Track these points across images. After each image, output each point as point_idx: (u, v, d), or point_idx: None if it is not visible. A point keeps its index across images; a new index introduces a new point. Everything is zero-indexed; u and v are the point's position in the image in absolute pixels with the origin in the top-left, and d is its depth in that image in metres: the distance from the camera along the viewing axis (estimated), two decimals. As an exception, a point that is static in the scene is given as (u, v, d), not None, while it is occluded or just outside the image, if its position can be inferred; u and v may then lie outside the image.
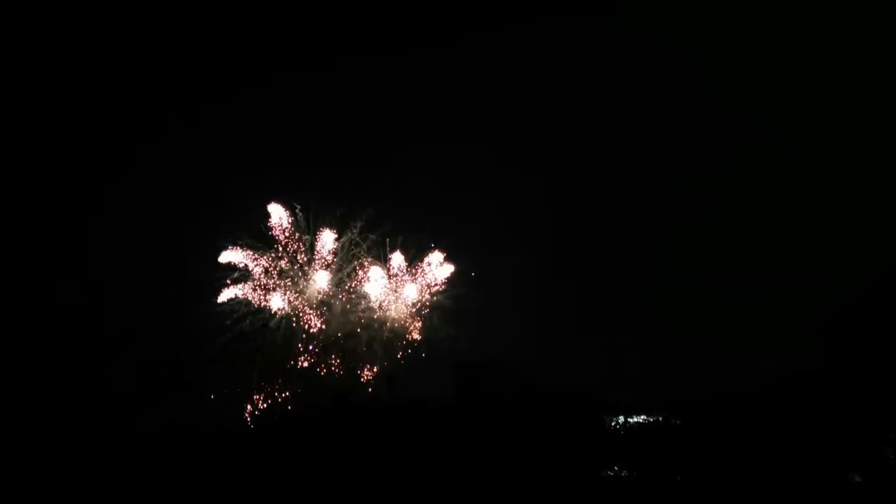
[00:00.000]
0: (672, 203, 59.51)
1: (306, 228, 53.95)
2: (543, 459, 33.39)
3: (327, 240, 53.71)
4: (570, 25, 64.02)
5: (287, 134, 64.44)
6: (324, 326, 53.66)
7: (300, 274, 53.66)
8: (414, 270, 55.04)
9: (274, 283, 53.16)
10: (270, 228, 53.63)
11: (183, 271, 53.22)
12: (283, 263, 53.54)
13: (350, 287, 54.47)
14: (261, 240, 53.65)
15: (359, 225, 53.75)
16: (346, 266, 54.49)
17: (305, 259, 53.81)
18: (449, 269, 55.17)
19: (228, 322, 51.88)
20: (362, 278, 54.06)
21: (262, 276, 53.17)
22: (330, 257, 53.90)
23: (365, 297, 53.93)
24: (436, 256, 55.18)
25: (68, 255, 49.41)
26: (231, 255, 52.67)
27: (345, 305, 54.03)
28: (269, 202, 54.11)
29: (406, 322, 54.10)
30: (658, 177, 60.67)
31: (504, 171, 62.74)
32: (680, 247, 56.41)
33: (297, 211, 53.73)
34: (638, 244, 58.58)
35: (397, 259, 54.25)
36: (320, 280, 53.55)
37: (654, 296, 55.57)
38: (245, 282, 52.68)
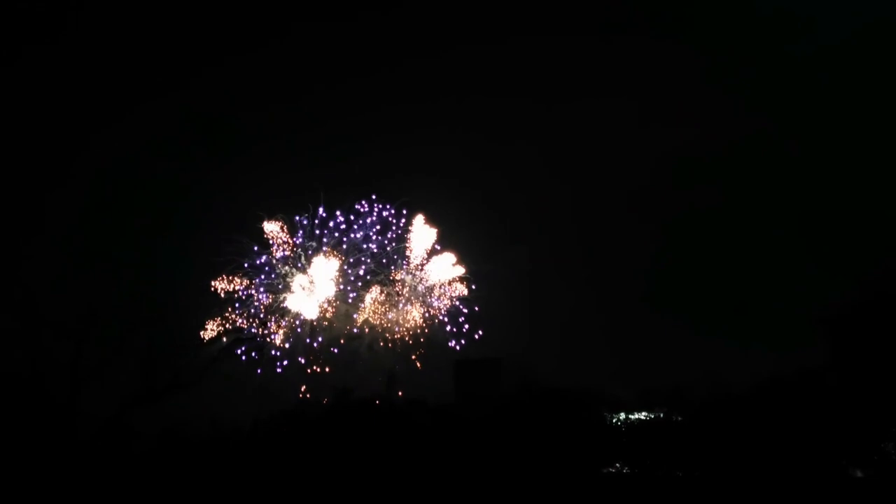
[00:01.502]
0: (674, 198, 59.47)
1: (311, 233, 53.10)
2: (544, 457, 33.28)
3: (332, 264, 52.55)
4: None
5: (295, 133, 64.69)
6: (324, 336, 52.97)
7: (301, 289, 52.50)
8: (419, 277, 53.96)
9: (276, 320, 52.08)
10: (269, 244, 52.69)
11: (184, 271, 53.25)
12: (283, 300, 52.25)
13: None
14: (260, 243, 52.90)
15: (362, 234, 53.02)
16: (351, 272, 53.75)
17: (308, 280, 52.63)
18: (462, 289, 54.25)
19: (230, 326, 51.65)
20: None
21: (262, 309, 52.17)
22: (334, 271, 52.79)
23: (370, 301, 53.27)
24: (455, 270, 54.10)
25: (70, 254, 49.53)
26: (225, 285, 51.46)
27: (348, 309, 53.47)
28: (276, 196, 53.51)
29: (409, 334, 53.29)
30: (659, 173, 60.64)
31: (505, 170, 62.86)
32: (681, 242, 56.37)
33: (302, 218, 52.68)
34: (639, 239, 58.57)
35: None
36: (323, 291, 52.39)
37: (655, 291, 55.50)
38: (243, 312, 51.49)
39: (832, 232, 53.02)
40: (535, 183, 62.43)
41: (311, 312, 52.43)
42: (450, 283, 54.52)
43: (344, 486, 34.33)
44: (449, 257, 54.82)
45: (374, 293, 53.23)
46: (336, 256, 53.21)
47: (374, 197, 54.31)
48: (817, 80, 59.54)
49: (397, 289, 53.67)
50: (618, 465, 35.50)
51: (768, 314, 49.86)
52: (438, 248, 55.02)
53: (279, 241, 52.85)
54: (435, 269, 54.65)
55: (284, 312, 52.44)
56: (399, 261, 54.23)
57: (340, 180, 57.45)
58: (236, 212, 56.77)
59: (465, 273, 54.77)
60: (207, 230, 55.80)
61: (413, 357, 52.66)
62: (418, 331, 53.52)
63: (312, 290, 52.43)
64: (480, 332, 53.59)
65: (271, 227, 52.91)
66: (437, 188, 56.17)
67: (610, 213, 61.62)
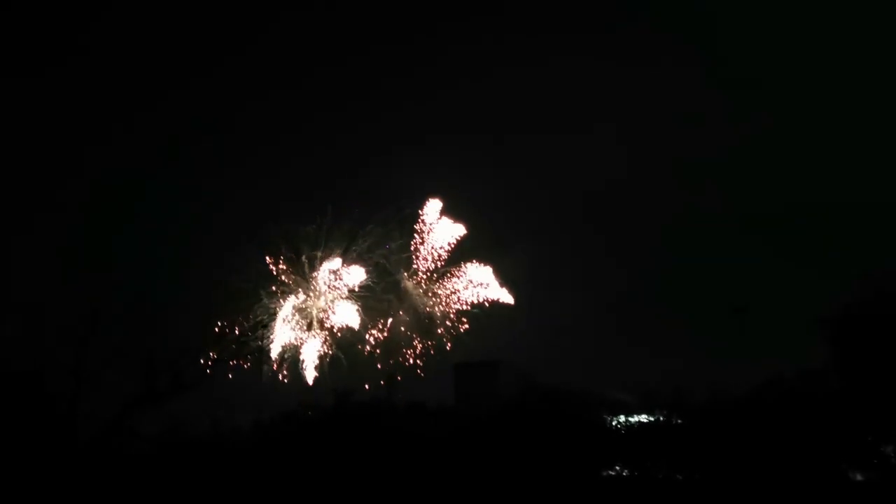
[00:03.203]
0: (674, 199, 59.39)
1: (315, 241, 52.08)
2: (543, 459, 33.26)
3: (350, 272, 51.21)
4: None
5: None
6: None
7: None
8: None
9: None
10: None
11: (187, 271, 53.25)
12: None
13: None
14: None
15: (368, 242, 52.25)
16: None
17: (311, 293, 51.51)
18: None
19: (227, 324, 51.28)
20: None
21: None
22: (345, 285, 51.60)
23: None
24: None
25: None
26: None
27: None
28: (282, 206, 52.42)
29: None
30: (659, 174, 60.58)
31: (507, 172, 62.80)
32: (681, 242, 56.29)
33: (310, 227, 51.64)
34: (639, 242, 58.49)
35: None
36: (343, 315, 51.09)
37: (655, 294, 55.41)
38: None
39: (833, 232, 52.92)
40: (533, 183, 62.44)
41: (310, 356, 50.86)
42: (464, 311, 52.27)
43: (344, 488, 34.36)
44: (483, 272, 51.94)
45: (376, 330, 51.94)
46: (340, 270, 52.17)
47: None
48: (818, 81, 59.44)
49: (400, 322, 52.07)
50: (618, 467, 35.50)
51: (769, 315, 49.76)
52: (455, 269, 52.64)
53: (283, 277, 51.71)
54: (467, 292, 51.61)
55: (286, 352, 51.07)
56: (401, 272, 52.67)
57: (344, 186, 57.48)
58: (239, 212, 56.85)
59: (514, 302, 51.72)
60: (209, 231, 55.88)
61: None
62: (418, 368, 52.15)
63: (311, 304, 51.52)
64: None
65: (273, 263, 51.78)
66: (436, 190, 56.01)
67: (609, 213, 61.59)
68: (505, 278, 52.49)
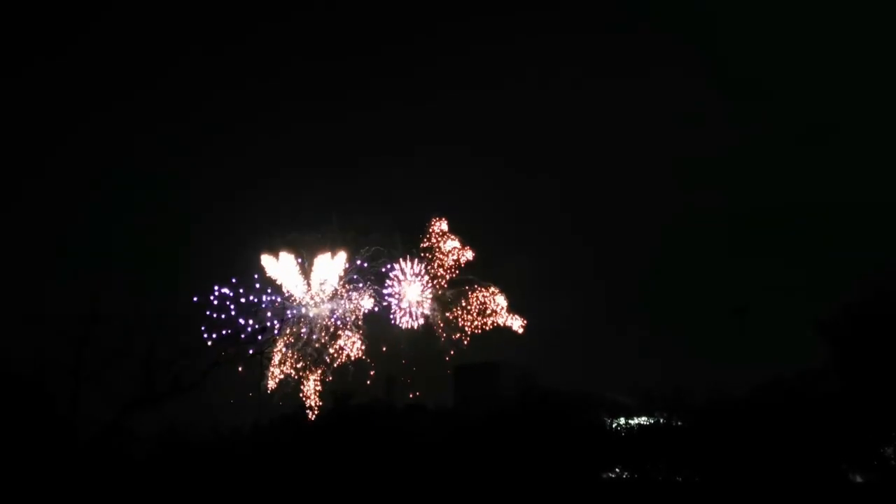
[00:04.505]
0: (674, 199, 59.35)
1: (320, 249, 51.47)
2: (543, 461, 33.18)
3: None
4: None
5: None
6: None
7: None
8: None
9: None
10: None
11: (187, 272, 53.26)
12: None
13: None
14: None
15: (371, 249, 52.06)
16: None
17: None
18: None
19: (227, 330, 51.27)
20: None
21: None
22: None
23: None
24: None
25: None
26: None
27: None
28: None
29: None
30: (659, 174, 60.55)
31: (506, 172, 62.83)
32: (682, 244, 56.24)
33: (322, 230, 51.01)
34: (639, 242, 58.45)
35: None
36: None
37: (655, 298, 55.35)
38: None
39: (833, 232, 52.89)
40: (534, 184, 62.48)
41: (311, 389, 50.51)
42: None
43: (344, 489, 34.31)
44: (493, 298, 52.41)
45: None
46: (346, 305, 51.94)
47: None
48: (817, 81, 59.41)
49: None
50: (617, 469, 35.40)
51: (769, 316, 49.79)
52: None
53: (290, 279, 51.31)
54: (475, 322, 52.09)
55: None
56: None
57: (344, 186, 57.52)
58: (238, 212, 56.88)
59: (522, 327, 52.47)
60: (209, 231, 55.91)
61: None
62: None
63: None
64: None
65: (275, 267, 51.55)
66: (433, 195, 56.10)
67: (610, 215, 61.59)
68: (506, 280, 52.70)
